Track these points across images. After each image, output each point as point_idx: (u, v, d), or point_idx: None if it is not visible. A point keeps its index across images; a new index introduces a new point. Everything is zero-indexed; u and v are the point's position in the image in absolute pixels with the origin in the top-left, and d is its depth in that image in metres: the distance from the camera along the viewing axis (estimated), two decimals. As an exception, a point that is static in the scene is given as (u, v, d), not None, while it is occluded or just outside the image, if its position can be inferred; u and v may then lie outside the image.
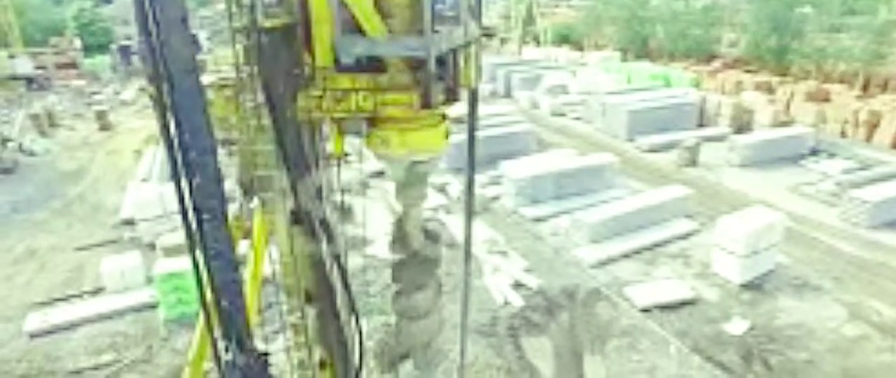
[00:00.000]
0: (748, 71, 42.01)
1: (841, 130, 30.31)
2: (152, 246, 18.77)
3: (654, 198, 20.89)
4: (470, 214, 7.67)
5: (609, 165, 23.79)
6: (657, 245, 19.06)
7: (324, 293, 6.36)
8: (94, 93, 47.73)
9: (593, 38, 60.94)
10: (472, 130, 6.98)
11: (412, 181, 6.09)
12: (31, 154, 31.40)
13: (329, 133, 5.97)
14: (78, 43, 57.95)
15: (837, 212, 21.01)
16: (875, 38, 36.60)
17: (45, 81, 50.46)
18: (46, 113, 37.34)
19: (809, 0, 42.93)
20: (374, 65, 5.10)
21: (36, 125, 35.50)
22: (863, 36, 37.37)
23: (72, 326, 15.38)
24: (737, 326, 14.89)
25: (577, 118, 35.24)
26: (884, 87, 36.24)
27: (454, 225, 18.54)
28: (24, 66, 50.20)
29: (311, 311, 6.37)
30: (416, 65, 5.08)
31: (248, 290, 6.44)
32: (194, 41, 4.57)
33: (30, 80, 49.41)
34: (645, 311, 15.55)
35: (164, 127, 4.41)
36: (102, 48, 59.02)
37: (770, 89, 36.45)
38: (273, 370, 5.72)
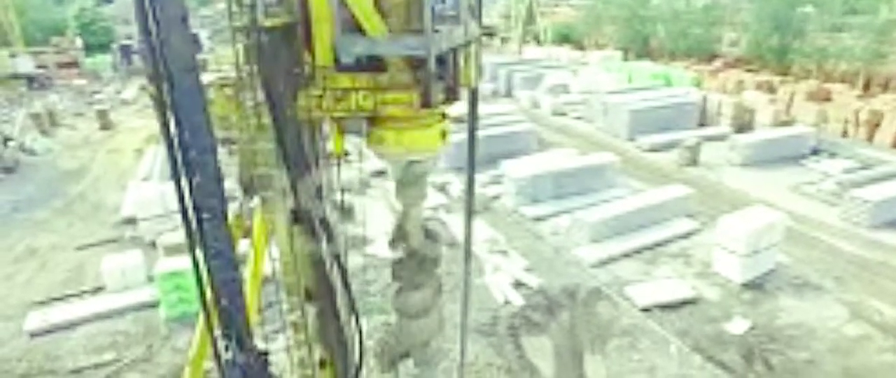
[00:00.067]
0: (749, 70, 41.97)
1: (842, 130, 30.30)
2: (153, 245, 18.79)
3: (654, 197, 20.88)
4: (470, 213, 7.68)
5: (610, 165, 23.77)
6: (658, 244, 19.05)
7: (324, 292, 6.37)
8: (95, 92, 47.73)
9: (594, 38, 60.89)
10: (472, 130, 7.00)
11: (411, 180, 6.10)
12: (32, 153, 31.41)
13: (329, 132, 5.98)
14: (79, 42, 57.92)
15: (838, 211, 21.00)
16: (876, 37, 36.57)
17: (47, 80, 50.44)
18: (47, 112, 37.35)
19: (811, -1, 43.02)
20: (374, 64, 5.11)
21: (37, 124, 35.52)
22: (864, 35, 37.36)
23: (72, 325, 15.37)
24: (737, 326, 14.88)
25: (578, 117, 35.24)
26: (885, 87, 36.21)
27: (455, 224, 18.51)
28: (26, 65, 50.19)
29: (311, 310, 6.39)
30: (416, 64, 5.09)
31: (248, 288, 6.43)
32: (195, 40, 4.58)
33: (31, 80, 49.40)
34: (645, 310, 15.55)
35: (165, 126, 4.42)
36: (103, 47, 58.98)
37: (771, 89, 36.43)
38: (273, 369, 5.73)
